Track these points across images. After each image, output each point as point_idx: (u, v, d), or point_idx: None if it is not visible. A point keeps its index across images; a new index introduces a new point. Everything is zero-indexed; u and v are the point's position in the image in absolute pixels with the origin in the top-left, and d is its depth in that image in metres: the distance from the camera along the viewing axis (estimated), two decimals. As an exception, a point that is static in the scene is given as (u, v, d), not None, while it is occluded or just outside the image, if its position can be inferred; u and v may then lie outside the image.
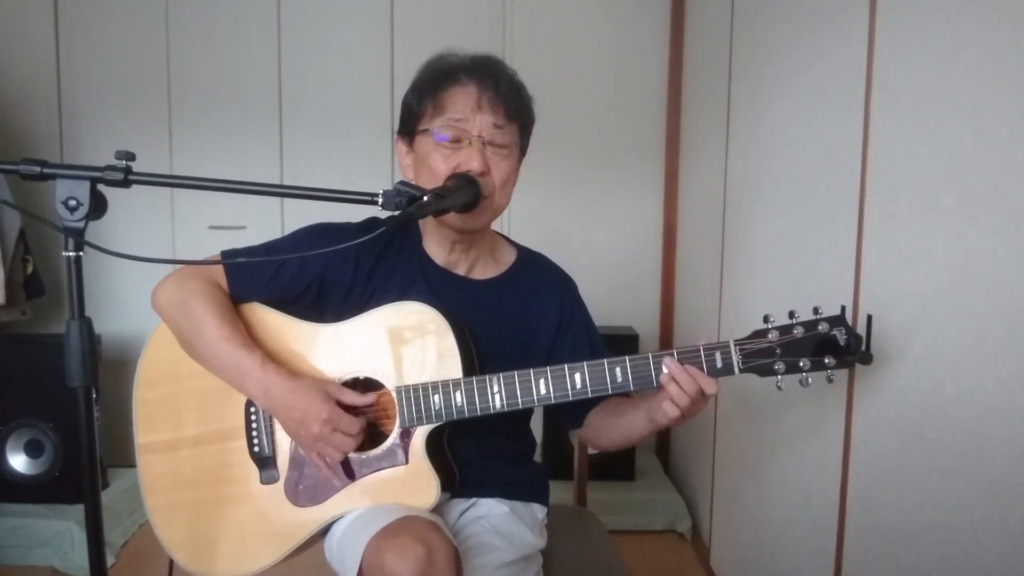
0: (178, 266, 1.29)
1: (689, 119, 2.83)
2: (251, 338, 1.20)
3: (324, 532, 1.26)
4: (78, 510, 2.36)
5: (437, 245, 1.28)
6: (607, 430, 1.28)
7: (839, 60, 1.49)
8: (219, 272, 1.23)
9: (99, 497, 0.99)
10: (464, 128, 1.17)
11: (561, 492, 1.68)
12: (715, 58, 2.40)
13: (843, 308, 1.14)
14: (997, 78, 1.04)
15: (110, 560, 2.41)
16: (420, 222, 1.28)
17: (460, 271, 1.29)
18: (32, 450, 2.46)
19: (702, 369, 1.09)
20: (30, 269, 2.69)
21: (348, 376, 1.21)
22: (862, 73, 1.38)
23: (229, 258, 1.24)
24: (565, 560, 1.40)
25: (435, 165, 1.17)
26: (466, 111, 1.16)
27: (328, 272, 1.24)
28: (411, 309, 1.19)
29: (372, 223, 1.06)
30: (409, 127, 1.24)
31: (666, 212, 3.01)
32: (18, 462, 2.45)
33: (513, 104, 1.19)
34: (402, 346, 1.19)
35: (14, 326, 2.73)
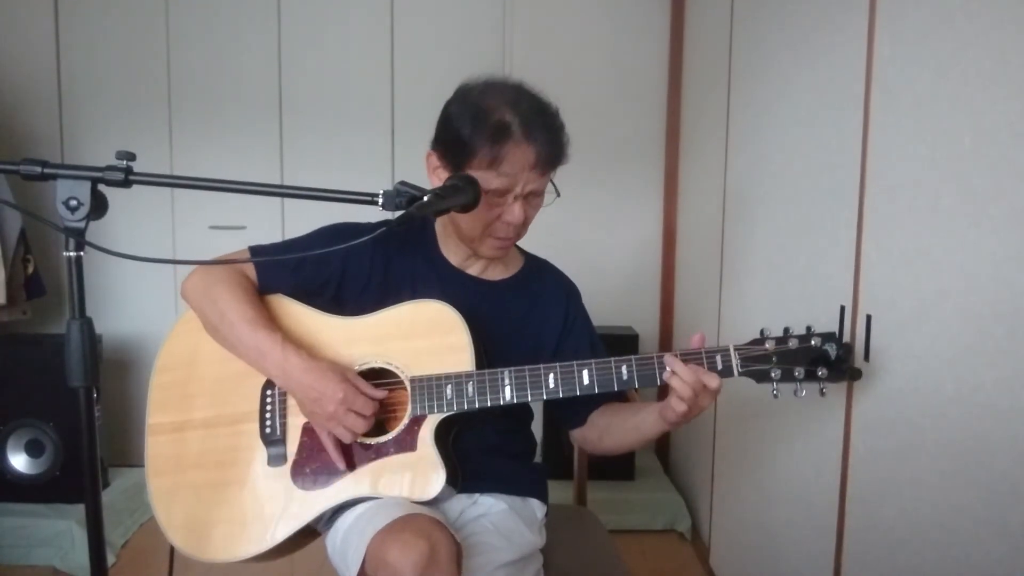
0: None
1: (689, 119, 2.83)
2: (276, 326, 1.25)
3: (323, 522, 1.27)
4: (79, 510, 2.37)
5: (452, 248, 1.34)
6: (612, 430, 1.31)
7: (839, 60, 1.50)
8: (248, 264, 1.29)
9: (99, 497, 0.98)
10: (512, 185, 1.20)
11: (561, 492, 1.68)
12: (715, 58, 2.40)
13: (842, 308, 1.15)
14: (997, 78, 1.04)
15: (111, 560, 2.41)
16: (436, 226, 1.36)
17: (473, 272, 1.35)
18: (33, 450, 2.46)
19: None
20: (31, 269, 2.70)
21: (364, 366, 1.24)
22: (862, 73, 1.38)
23: (257, 254, 1.30)
24: (565, 560, 1.40)
25: (478, 213, 1.19)
26: (519, 169, 1.19)
27: (347, 268, 1.30)
28: (429, 306, 1.24)
29: (384, 223, 1.10)
30: (455, 157, 1.22)
31: (666, 212, 3.01)
32: (19, 462, 2.46)
33: (560, 157, 1.24)
34: (418, 340, 1.24)
35: (15, 326, 2.74)
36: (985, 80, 1.06)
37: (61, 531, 2.34)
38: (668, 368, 1.13)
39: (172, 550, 1.26)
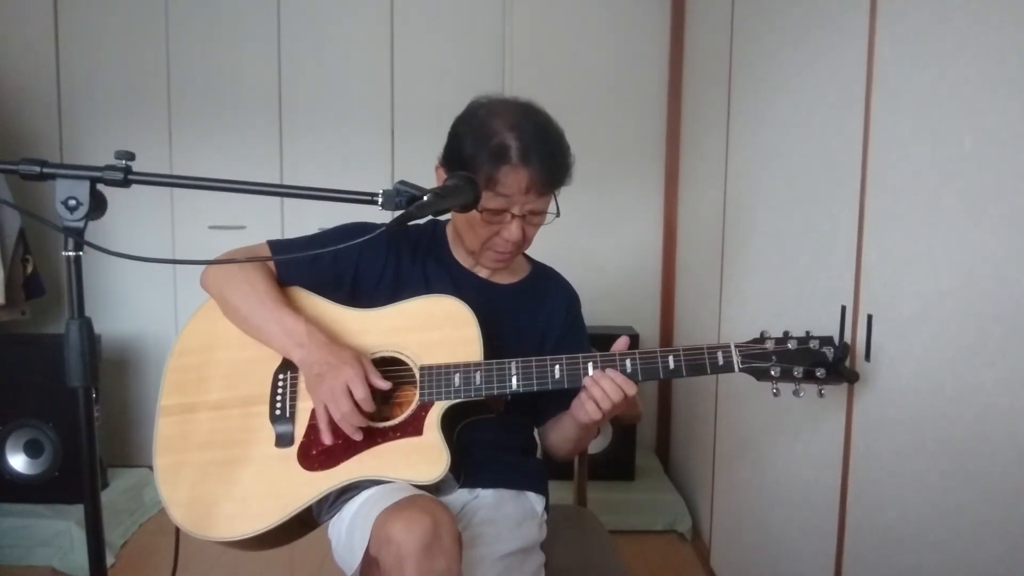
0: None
1: (689, 119, 2.83)
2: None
3: (325, 508, 1.28)
4: (78, 510, 2.37)
5: (463, 252, 1.40)
6: (549, 430, 1.42)
7: (839, 60, 1.50)
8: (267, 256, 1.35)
9: (99, 497, 0.98)
10: (508, 205, 1.25)
11: (561, 492, 1.68)
12: (715, 58, 2.40)
13: (842, 308, 1.15)
14: (997, 78, 1.04)
15: (110, 560, 2.41)
16: (447, 230, 1.43)
17: (483, 275, 1.41)
18: (32, 450, 2.46)
19: (704, 368, 1.19)
20: (30, 269, 2.70)
21: (377, 354, 1.27)
22: (862, 73, 1.38)
23: (275, 248, 1.35)
24: (565, 560, 1.40)
25: (477, 228, 1.29)
26: (514, 191, 1.24)
27: (361, 264, 1.36)
28: (443, 301, 1.29)
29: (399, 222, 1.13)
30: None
31: (666, 212, 3.01)
32: (18, 462, 2.46)
33: (557, 182, 1.28)
34: (431, 332, 1.27)
35: (14, 326, 2.73)
36: (985, 80, 1.06)
37: (60, 531, 2.34)
38: (589, 376, 1.19)
39: (177, 532, 1.26)
